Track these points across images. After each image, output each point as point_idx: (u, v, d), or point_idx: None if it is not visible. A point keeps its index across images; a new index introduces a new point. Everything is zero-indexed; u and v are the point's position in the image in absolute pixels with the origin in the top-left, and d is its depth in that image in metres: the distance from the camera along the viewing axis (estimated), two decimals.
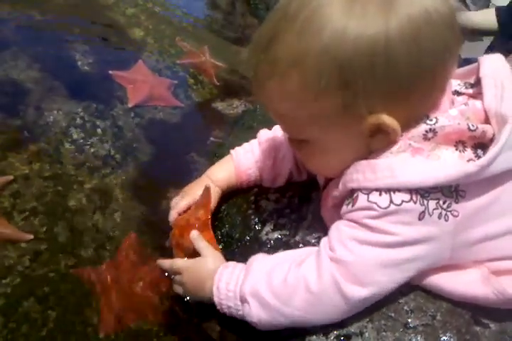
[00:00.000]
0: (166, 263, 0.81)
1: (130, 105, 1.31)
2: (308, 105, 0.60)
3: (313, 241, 0.83)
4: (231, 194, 0.96)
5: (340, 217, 0.70)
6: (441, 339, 0.67)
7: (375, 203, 0.61)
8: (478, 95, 0.67)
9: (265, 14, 1.89)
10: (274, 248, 0.84)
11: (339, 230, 0.66)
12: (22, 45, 1.38)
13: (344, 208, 0.67)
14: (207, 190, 0.86)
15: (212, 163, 1.15)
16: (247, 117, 1.31)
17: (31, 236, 0.93)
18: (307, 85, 0.58)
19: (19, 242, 0.92)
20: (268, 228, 0.88)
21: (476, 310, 0.69)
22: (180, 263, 0.80)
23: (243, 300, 0.69)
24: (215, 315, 0.78)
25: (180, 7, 1.88)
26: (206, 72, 1.56)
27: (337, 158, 0.68)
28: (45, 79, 1.29)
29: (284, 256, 0.74)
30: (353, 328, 0.69)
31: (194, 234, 0.80)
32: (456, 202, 0.61)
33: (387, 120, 0.59)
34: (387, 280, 0.64)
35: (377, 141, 0.63)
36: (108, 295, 0.88)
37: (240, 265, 0.74)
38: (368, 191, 0.62)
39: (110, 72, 1.38)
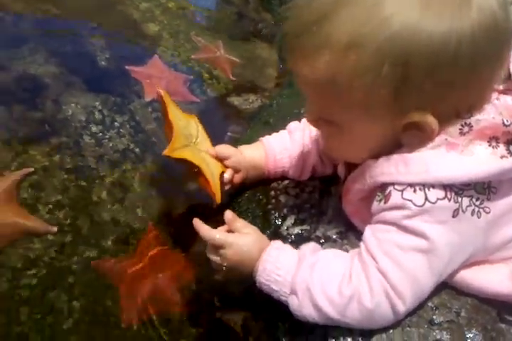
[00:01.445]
0: (209, 233, 0.75)
1: (147, 99, 1.32)
2: (355, 89, 0.57)
3: (334, 236, 0.83)
4: (251, 188, 0.96)
5: (366, 212, 0.71)
6: (467, 335, 0.67)
7: (410, 201, 0.60)
8: (508, 91, 0.66)
9: (278, 9, 1.90)
10: (294, 243, 0.84)
11: (377, 238, 0.65)
12: (39, 40, 1.39)
13: (375, 205, 0.66)
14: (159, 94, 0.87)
15: None
16: (263, 112, 1.31)
17: (55, 229, 0.93)
18: (364, 70, 0.55)
19: (45, 235, 0.93)
20: (288, 223, 0.89)
21: (501, 308, 0.69)
22: (225, 237, 0.74)
23: (293, 292, 0.68)
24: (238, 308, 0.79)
25: (193, 2, 1.88)
26: (221, 67, 1.56)
27: (362, 145, 0.67)
28: (63, 74, 1.30)
29: (333, 260, 0.70)
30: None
31: (228, 214, 0.77)
32: (488, 199, 0.62)
33: (430, 119, 0.58)
34: (429, 286, 0.65)
35: (410, 136, 0.62)
36: (130, 286, 0.90)
37: (289, 249, 0.73)
38: (402, 187, 0.62)
39: (126, 67, 1.38)
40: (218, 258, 0.74)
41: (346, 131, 0.65)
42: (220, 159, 0.89)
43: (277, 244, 0.75)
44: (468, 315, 0.68)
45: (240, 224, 0.77)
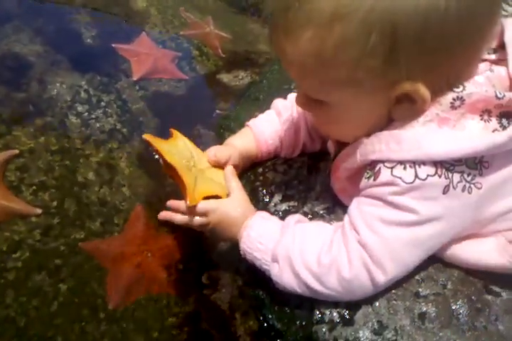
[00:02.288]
0: (184, 206, 0.76)
1: (135, 78, 1.30)
2: (343, 63, 0.56)
3: (321, 212, 0.82)
4: None
5: (354, 190, 0.69)
6: (452, 308, 0.67)
7: (400, 178, 0.59)
8: (500, 61, 0.64)
9: None
10: (282, 219, 0.83)
11: (361, 210, 0.64)
12: (24, 18, 1.35)
13: (364, 182, 0.65)
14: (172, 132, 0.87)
15: (218, 135, 1.15)
16: (253, 89, 1.29)
17: (40, 211, 0.92)
18: (351, 42, 0.53)
19: (29, 217, 0.92)
20: (276, 199, 0.88)
21: (487, 279, 0.69)
22: (208, 204, 0.75)
23: (274, 260, 0.69)
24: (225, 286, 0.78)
25: None
26: (211, 44, 1.53)
27: (355, 122, 0.66)
28: (48, 52, 1.27)
29: (315, 231, 0.71)
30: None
31: (228, 169, 0.80)
32: (480, 174, 0.60)
33: (422, 89, 0.56)
34: (413, 260, 0.64)
35: (401, 110, 0.60)
36: (117, 267, 0.89)
37: (275, 219, 0.74)
38: (392, 164, 0.60)
39: (113, 45, 1.35)
40: (203, 219, 0.75)
41: (337, 109, 0.63)
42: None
43: (263, 213, 0.76)
44: (454, 287, 0.68)
45: (235, 184, 0.78)
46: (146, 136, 0.79)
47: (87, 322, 0.83)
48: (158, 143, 0.79)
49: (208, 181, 0.80)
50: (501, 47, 0.65)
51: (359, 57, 0.54)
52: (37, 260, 0.87)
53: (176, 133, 0.87)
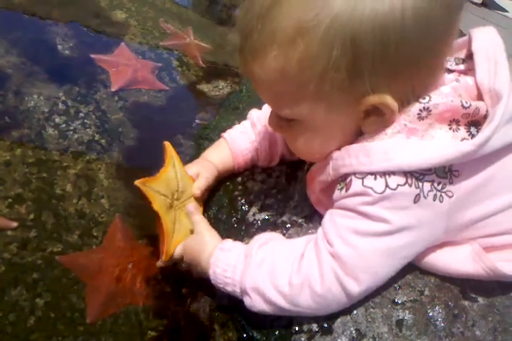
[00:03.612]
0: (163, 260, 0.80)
1: (113, 89, 1.29)
2: (310, 80, 0.56)
3: (300, 220, 0.82)
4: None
5: (329, 202, 0.69)
6: (430, 314, 0.67)
7: (371, 188, 0.59)
8: (469, 71, 0.65)
9: None
10: (261, 229, 0.83)
11: (335, 223, 0.64)
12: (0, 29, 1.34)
13: (337, 193, 0.65)
14: (165, 145, 0.87)
15: (198, 145, 1.15)
16: (232, 98, 1.30)
17: (16, 224, 0.91)
18: (314, 57, 0.54)
19: (4, 230, 0.90)
20: (255, 209, 0.88)
21: (464, 285, 0.70)
22: (177, 250, 0.80)
23: (244, 293, 0.68)
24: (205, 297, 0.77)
25: None
26: (191, 54, 1.53)
27: (324, 139, 0.66)
28: (25, 63, 1.26)
29: (283, 250, 0.70)
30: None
31: (191, 207, 0.82)
32: (451, 183, 0.61)
33: (389, 100, 0.57)
34: (387, 270, 0.64)
35: (370, 124, 0.61)
36: (95, 280, 0.87)
37: (236, 249, 0.72)
38: (363, 175, 0.61)
39: (92, 55, 1.35)
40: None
41: (309, 126, 0.64)
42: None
43: (224, 244, 0.74)
44: (432, 294, 0.68)
45: (197, 218, 0.81)
46: (138, 183, 0.78)
47: (64, 337, 0.81)
48: (148, 189, 0.79)
49: (184, 222, 0.83)
50: (469, 57, 0.66)
51: (324, 72, 0.55)
52: (13, 274, 0.85)
53: (168, 149, 0.87)
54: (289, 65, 0.56)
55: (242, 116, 1.01)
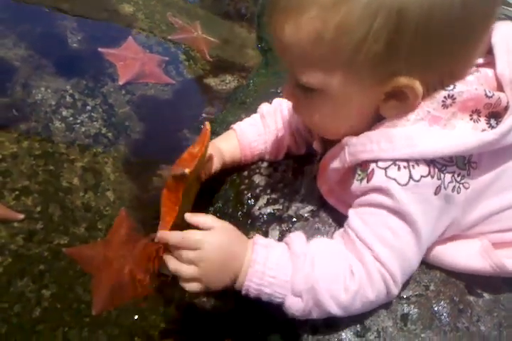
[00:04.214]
0: (175, 235, 0.65)
1: (121, 82, 1.29)
2: (344, 47, 0.53)
3: (306, 215, 0.82)
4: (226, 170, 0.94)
5: (342, 191, 0.69)
6: (435, 309, 0.66)
7: (394, 179, 0.58)
8: (487, 65, 0.64)
9: None
10: (266, 222, 0.83)
11: (367, 223, 0.61)
12: (8, 23, 1.34)
13: (356, 184, 0.63)
14: (205, 127, 0.80)
15: None
16: (239, 93, 1.29)
17: (22, 216, 0.91)
18: (355, 24, 0.51)
19: (11, 222, 0.91)
20: (261, 203, 0.87)
21: (469, 280, 0.69)
22: (194, 235, 0.64)
23: (296, 293, 0.62)
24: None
25: None
26: (198, 48, 1.53)
27: (340, 116, 0.64)
28: (33, 56, 1.27)
29: (329, 252, 0.64)
30: None
31: (187, 218, 0.67)
32: (468, 175, 0.60)
33: (417, 85, 0.55)
34: (416, 265, 0.64)
35: (389, 107, 0.60)
36: (100, 273, 0.88)
37: (275, 244, 0.66)
38: (386, 165, 0.59)
39: (100, 49, 1.35)
40: (190, 268, 0.64)
41: (327, 99, 0.61)
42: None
43: (262, 240, 0.67)
44: (437, 289, 0.68)
45: (209, 220, 0.67)
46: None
47: (70, 328, 0.82)
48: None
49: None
50: (488, 52, 0.65)
51: (361, 41, 0.52)
52: (19, 265, 0.86)
53: (207, 133, 0.79)
54: (326, 28, 0.53)
55: (249, 111, 1.01)
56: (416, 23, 0.51)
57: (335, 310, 0.61)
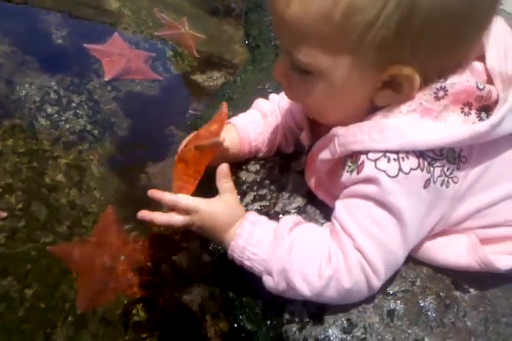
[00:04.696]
0: (169, 197, 0.74)
1: (106, 79, 1.28)
2: (353, 29, 0.52)
3: (292, 211, 0.82)
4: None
5: (330, 184, 0.68)
6: (421, 304, 0.66)
7: (384, 171, 0.58)
8: (478, 59, 0.64)
9: None
10: None
11: (353, 215, 0.62)
12: None
13: (346, 176, 0.63)
14: (223, 106, 0.81)
15: None
16: (226, 89, 1.28)
17: (5, 214, 0.90)
18: (367, 5, 0.50)
19: None
20: (248, 199, 0.87)
21: (456, 275, 0.69)
22: (193, 202, 0.73)
23: (267, 273, 0.66)
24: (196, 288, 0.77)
25: None
26: (185, 44, 1.51)
27: (334, 101, 0.63)
28: (16, 53, 1.25)
29: (313, 237, 0.67)
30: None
31: (223, 167, 0.75)
32: (458, 169, 0.60)
33: (416, 77, 0.55)
34: (402, 260, 0.64)
35: (383, 96, 0.60)
36: (85, 271, 0.87)
37: (264, 222, 0.71)
38: (376, 156, 0.59)
39: (85, 45, 1.33)
40: (185, 218, 0.73)
41: (324, 82, 0.60)
42: None
43: (252, 216, 0.72)
44: (423, 284, 0.68)
45: (227, 185, 0.75)
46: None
47: (55, 327, 0.80)
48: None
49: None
50: None
51: (371, 23, 0.51)
52: (2, 264, 0.85)
53: (225, 113, 0.81)
54: (336, 8, 0.51)
55: (236, 107, 1.00)
56: (427, 11, 0.50)
57: (307, 293, 0.63)
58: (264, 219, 0.72)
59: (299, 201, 0.83)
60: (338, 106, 0.64)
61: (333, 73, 0.58)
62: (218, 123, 0.80)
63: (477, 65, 0.63)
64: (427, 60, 0.55)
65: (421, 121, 0.59)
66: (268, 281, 0.66)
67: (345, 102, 0.63)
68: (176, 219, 0.73)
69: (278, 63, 0.66)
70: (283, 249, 0.65)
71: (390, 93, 0.59)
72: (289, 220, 0.70)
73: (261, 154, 0.91)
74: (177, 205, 0.73)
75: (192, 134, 0.85)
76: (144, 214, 0.76)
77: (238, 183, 0.90)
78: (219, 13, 1.75)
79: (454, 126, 0.59)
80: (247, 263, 0.68)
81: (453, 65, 0.59)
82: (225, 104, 0.81)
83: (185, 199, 0.73)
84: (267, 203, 0.85)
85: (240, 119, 0.90)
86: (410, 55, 0.54)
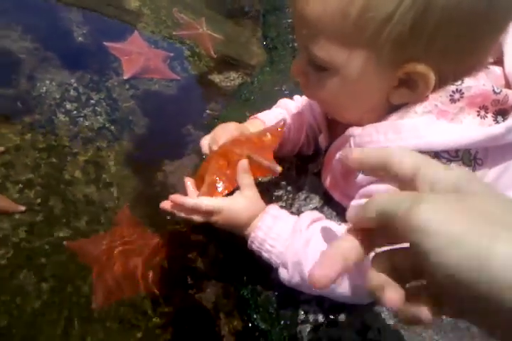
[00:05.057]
0: (191, 202, 0.73)
1: (125, 77, 1.29)
2: (368, 25, 0.53)
3: None
4: None
5: (345, 184, 0.69)
6: None
7: None
8: (496, 63, 0.64)
9: None
10: None
11: None
12: (14, 15, 1.34)
13: (362, 176, 0.64)
14: (282, 121, 0.80)
15: None
16: (244, 90, 1.29)
17: (23, 208, 0.91)
18: (383, 2, 0.51)
19: (13, 214, 0.91)
20: (265, 200, 0.87)
21: None
22: (216, 203, 0.72)
23: (283, 265, 0.68)
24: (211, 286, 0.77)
25: None
26: (203, 45, 1.52)
27: (349, 99, 0.63)
28: (38, 49, 1.26)
29: (330, 234, 0.66)
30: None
31: (243, 163, 0.74)
32: (474, 171, 0.60)
33: (431, 75, 0.55)
34: None
35: (399, 95, 0.60)
36: (102, 266, 0.88)
37: (285, 217, 0.72)
38: None
39: (105, 43, 1.35)
40: (208, 218, 0.73)
41: (340, 78, 0.60)
42: None
43: (273, 210, 0.74)
44: None
45: (246, 181, 0.75)
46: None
47: (69, 322, 0.81)
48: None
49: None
50: (499, 49, 0.65)
51: (387, 20, 0.51)
52: (21, 258, 0.86)
53: (282, 126, 0.80)
54: (352, 3, 0.52)
55: (253, 108, 1.01)
56: (442, 9, 0.50)
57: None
58: (285, 213, 0.74)
59: (315, 202, 0.83)
60: (353, 103, 0.64)
61: (349, 68, 0.58)
62: (274, 137, 0.78)
63: (496, 69, 0.63)
64: (442, 59, 0.55)
65: (437, 122, 0.58)
66: (283, 274, 0.68)
67: (361, 100, 0.63)
68: (198, 218, 0.74)
69: (296, 61, 0.67)
70: (299, 243, 0.67)
71: (405, 92, 0.59)
72: (309, 215, 0.72)
73: (285, 152, 0.91)
74: (198, 209, 0.72)
75: (237, 133, 0.82)
76: (168, 206, 0.76)
77: (255, 184, 0.90)
78: (236, 14, 1.76)
79: (470, 128, 0.58)
80: (265, 255, 0.71)
81: (469, 67, 0.59)
82: (284, 120, 0.80)
83: (206, 202, 0.72)
84: (283, 204, 0.86)
85: (268, 116, 0.90)
86: (425, 53, 0.54)
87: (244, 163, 0.75)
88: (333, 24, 0.55)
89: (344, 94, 0.63)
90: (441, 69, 0.56)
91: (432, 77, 0.55)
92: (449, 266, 0.32)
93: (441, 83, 0.58)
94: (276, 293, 0.72)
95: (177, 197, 0.74)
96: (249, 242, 0.72)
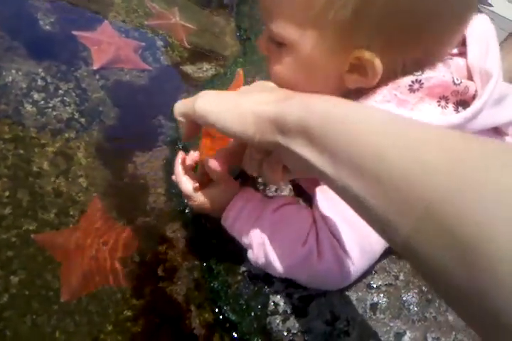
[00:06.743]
0: (182, 186, 0.77)
1: (95, 67, 1.26)
2: (316, 3, 0.53)
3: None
4: None
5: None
6: (403, 298, 0.68)
7: None
8: (460, 55, 0.65)
9: None
10: None
11: (329, 199, 0.65)
12: None
13: None
14: (240, 72, 0.81)
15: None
16: (216, 81, 1.28)
17: None
18: None
19: None
20: None
21: None
22: (191, 192, 0.76)
23: (249, 246, 0.70)
24: (181, 278, 0.77)
25: None
26: (176, 35, 1.50)
27: (305, 78, 0.62)
28: (3, 38, 1.22)
29: (295, 219, 0.70)
30: (315, 289, 0.69)
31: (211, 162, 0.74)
32: None
33: (377, 62, 0.55)
34: (381, 248, 0.66)
35: (352, 80, 0.60)
36: (71, 259, 0.86)
37: (256, 202, 0.73)
38: None
39: (74, 32, 1.32)
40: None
41: (295, 55, 0.60)
42: None
43: (246, 193, 0.75)
44: (406, 278, 0.69)
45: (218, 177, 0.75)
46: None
47: (38, 315, 0.80)
48: None
49: None
50: (462, 43, 0.66)
51: (331, 2, 0.52)
52: None
53: (241, 78, 0.83)
54: None
55: None
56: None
57: (280, 270, 0.66)
58: (258, 196, 0.75)
59: (285, 194, 0.83)
60: (309, 82, 0.63)
61: (301, 46, 0.59)
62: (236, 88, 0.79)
63: (459, 60, 0.64)
64: (386, 48, 0.56)
65: (397, 111, 0.59)
66: (250, 254, 0.70)
67: (316, 78, 0.63)
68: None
69: (260, 37, 0.67)
70: (266, 224, 0.69)
71: (357, 78, 0.59)
72: (279, 199, 0.74)
73: None
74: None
75: None
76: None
77: None
78: (211, 4, 1.74)
79: (431, 116, 0.59)
80: (235, 235, 0.73)
81: (423, 59, 0.59)
82: (241, 71, 0.81)
83: (183, 186, 0.77)
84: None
85: None
86: (370, 41, 0.55)
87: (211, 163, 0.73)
88: (287, 1, 0.56)
89: (299, 71, 0.62)
90: (387, 57, 0.56)
91: (379, 65, 0.56)
92: (225, 126, 0.55)
93: (390, 73, 0.58)
94: (246, 285, 0.73)
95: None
96: (221, 222, 0.75)
